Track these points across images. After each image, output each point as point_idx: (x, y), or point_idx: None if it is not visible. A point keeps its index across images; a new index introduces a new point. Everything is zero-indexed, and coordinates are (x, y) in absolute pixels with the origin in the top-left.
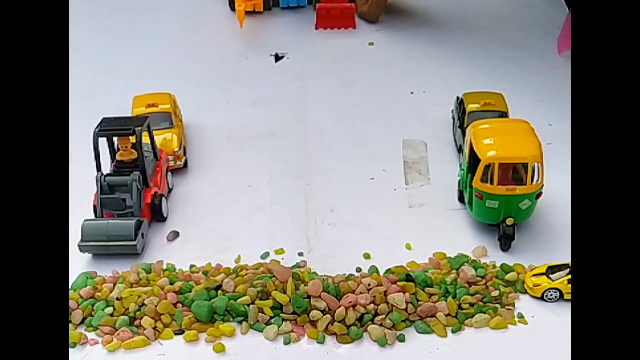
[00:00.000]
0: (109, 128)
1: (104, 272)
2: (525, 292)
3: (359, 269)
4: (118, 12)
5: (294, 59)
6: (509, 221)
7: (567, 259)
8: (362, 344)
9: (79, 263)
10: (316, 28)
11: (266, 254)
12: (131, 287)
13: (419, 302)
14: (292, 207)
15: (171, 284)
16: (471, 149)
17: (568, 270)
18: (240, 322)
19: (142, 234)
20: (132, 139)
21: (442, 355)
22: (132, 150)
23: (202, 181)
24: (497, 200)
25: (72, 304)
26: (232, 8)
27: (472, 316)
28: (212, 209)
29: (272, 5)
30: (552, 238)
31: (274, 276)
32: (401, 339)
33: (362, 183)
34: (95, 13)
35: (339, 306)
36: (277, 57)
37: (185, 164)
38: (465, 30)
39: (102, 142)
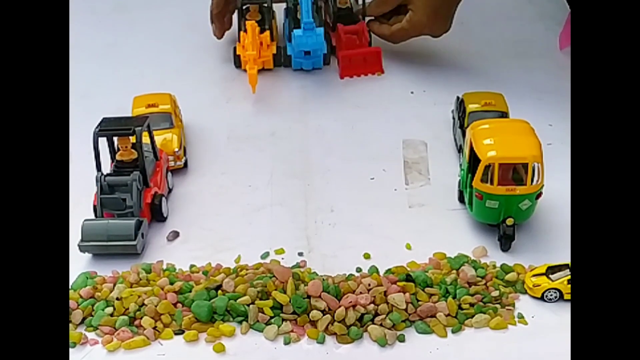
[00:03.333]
0: (109, 128)
1: (104, 272)
2: (525, 292)
3: (359, 269)
4: (118, 10)
5: None
6: (509, 221)
7: (567, 259)
8: (362, 344)
9: (79, 263)
10: (341, 77)
11: (266, 254)
12: (131, 287)
13: (419, 303)
14: (292, 207)
15: (171, 284)
16: (471, 149)
17: (568, 270)
18: (240, 322)
19: (142, 234)
20: (132, 139)
21: (442, 355)
22: (132, 150)
23: (202, 181)
24: (497, 200)
25: (72, 304)
26: (237, 65)
27: (472, 316)
28: (212, 209)
29: (282, 64)
30: (552, 238)
31: (274, 276)
32: (401, 339)
33: (362, 183)
34: (94, 11)
35: (339, 306)
36: None
37: (186, 164)
38: (466, 27)
39: (102, 142)
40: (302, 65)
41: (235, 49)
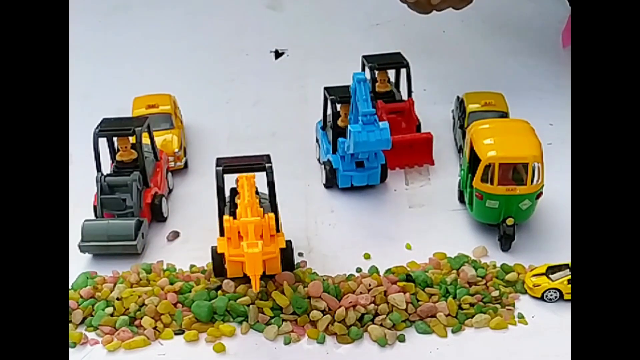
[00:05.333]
0: (109, 128)
1: (104, 272)
2: (526, 292)
3: (359, 269)
4: (118, 10)
5: (294, 57)
6: (509, 221)
7: (567, 259)
8: (362, 344)
9: (79, 263)
10: (392, 168)
11: None
12: (131, 287)
13: (419, 303)
14: (292, 207)
15: (171, 284)
16: (471, 149)
17: (568, 270)
18: (240, 322)
19: (142, 234)
20: (132, 139)
21: (442, 355)
22: (132, 150)
23: (202, 182)
24: (497, 200)
25: (72, 304)
26: (218, 272)
27: (473, 316)
28: (212, 209)
29: (325, 184)
30: (552, 238)
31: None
32: (401, 339)
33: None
34: (94, 11)
35: (339, 306)
36: (277, 54)
37: (186, 165)
38: (467, 26)
39: (102, 142)
40: (352, 180)
41: (214, 249)
